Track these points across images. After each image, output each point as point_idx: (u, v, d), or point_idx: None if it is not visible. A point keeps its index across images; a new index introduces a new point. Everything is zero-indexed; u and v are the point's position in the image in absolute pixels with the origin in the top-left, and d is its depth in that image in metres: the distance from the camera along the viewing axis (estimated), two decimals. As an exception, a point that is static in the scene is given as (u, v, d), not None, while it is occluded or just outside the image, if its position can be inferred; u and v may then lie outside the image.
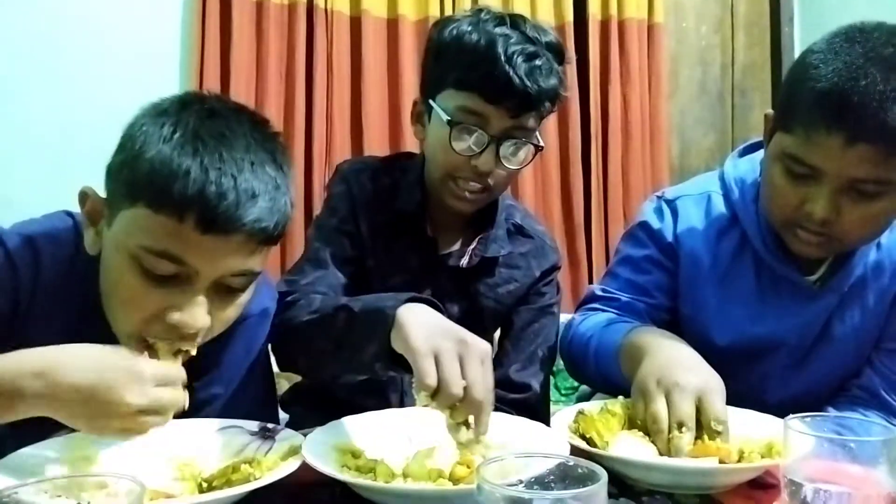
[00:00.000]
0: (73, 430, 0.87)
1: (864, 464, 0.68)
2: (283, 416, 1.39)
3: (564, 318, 1.41)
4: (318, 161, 2.59)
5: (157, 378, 0.81)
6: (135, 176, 0.85)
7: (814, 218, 1.04)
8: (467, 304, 1.31)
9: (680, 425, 0.92)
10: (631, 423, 1.02)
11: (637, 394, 1.00)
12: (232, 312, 0.94)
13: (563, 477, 0.59)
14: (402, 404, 1.28)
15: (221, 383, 1.08)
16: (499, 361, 1.33)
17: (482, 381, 0.86)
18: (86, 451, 0.87)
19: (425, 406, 0.85)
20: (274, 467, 0.85)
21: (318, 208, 1.40)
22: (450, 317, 1.23)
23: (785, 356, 1.23)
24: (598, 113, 2.96)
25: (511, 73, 1.13)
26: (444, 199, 1.25)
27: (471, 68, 1.17)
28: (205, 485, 0.83)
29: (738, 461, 0.89)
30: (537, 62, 1.16)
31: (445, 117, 1.18)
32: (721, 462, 0.89)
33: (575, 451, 0.88)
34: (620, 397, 1.06)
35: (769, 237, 1.19)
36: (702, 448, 0.93)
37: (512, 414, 1.06)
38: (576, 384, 2.15)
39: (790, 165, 1.06)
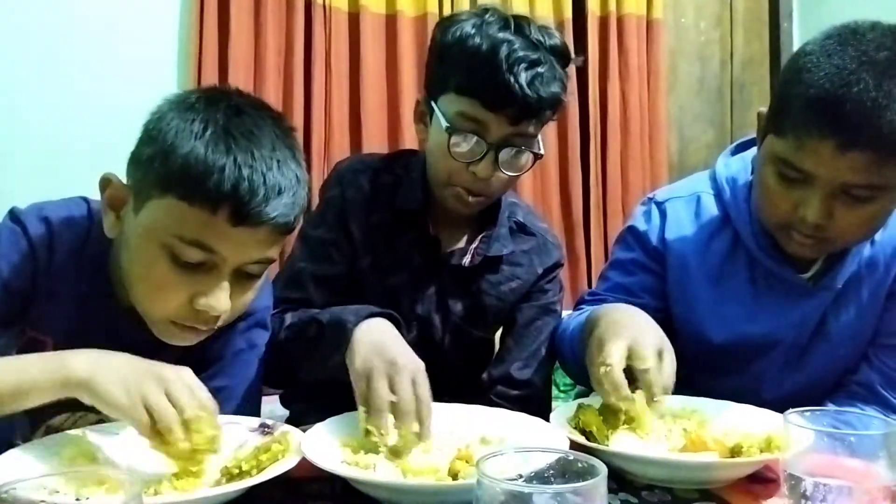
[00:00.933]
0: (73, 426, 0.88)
1: (864, 458, 0.68)
2: (283, 412, 1.39)
3: (566, 314, 1.41)
4: (316, 157, 2.59)
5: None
6: (168, 169, 0.90)
7: (806, 222, 1.04)
8: (469, 301, 1.31)
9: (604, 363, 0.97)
10: (631, 419, 1.03)
11: (588, 363, 1.04)
12: (249, 296, 1.01)
13: (563, 471, 0.59)
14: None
15: (226, 376, 1.10)
16: (501, 358, 1.33)
17: (408, 396, 0.94)
18: (85, 446, 0.87)
19: (365, 427, 0.94)
20: (266, 465, 0.86)
21: (314, 204, 1.39)
22: (452, 315, 1.30)
23: (781, 354, 1.22)
24: (596, 109, 2.96)
25: (512, 80, 1.11)
26: (444, 202, 1.25)
27: (472, 74, 1.15)
28: (235, 471, 0.84)
29: (738, 455, 0.89)
30: (540, 69, 1.14)
31: (445, 123, 1.17)
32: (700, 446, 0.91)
33: (574, 445, 0.89)
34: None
35: (762, 236, 1.18)
36: (696, 443, 0.94)
37: (514, 410, 1.07)
38: (574, 380, 2.15)
39: (782, 169, 1.05)
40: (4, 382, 0.83)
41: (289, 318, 1.19)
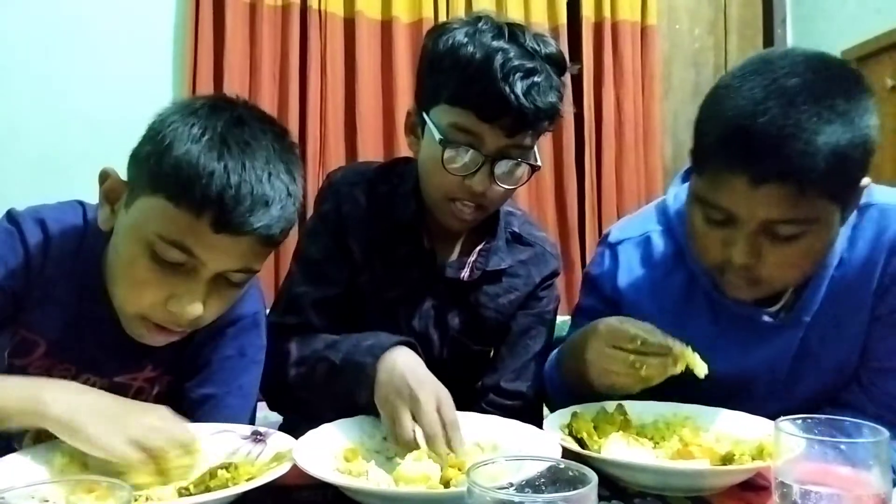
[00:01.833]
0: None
1: (855, 465, 0.68)
2: (277, 418, 1.38)
3: (561, 319, 1.40)
4: (311, 163, 2.59)
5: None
6: (160, 168, 0.91)
7: (734, 264, 0.99)
8: (467, 315, 1.28)
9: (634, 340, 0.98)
10: (626, 425, 1.03)
11: (590, 365, 1.04)
12: (226, 304, 1.01)
13: (554, 480, 0.59)
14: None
15: (214, 384, 1.10)
16: (493, 368, 1.31)
17: (431, 424, 0.95)
18: (76, 454, 0.87)
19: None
20: (256, 472, 0.85)
21: (309, 211, 1.37)
22: (450, 329, 1.27)
23: (762, 389, 1.15)
24: (591, 115, 2.97)
25: (507, 90, 1.07)
26: (438, 216, 1.21)
27: (465, 84, 1.11)
28: (184, 492, 0.83)
29: (730, 463, 0.89)
30: (536, 79, 1.10)
31: (438, 136, 1.12)
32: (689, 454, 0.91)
33: (567, 453, 0.89)
34: (615, 402, 1.06)
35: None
36: (682, 454, 0.94)
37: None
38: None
39: (705, 210, 1.00)
40: None
41: (294, 351, 1.17)
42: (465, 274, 1.26)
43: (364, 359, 1.04)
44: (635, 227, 1.26)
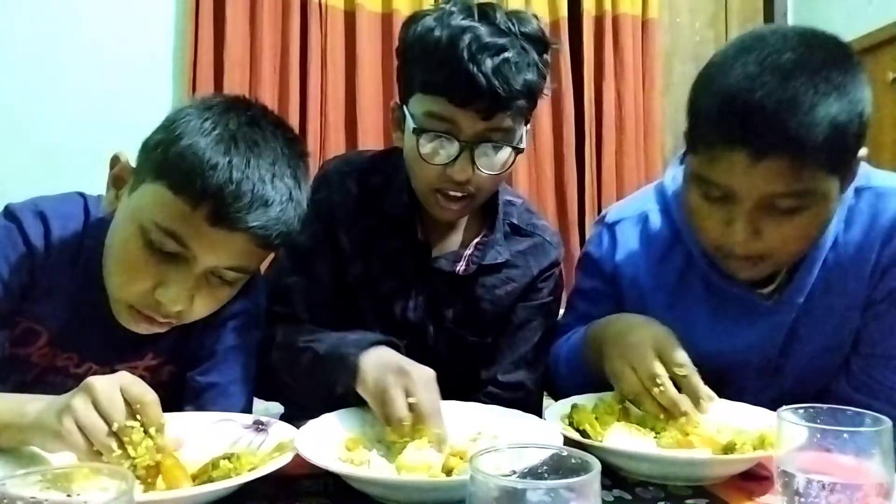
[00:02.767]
0: None
1: (857, 455, 0.68)
2: (278, 409, 1.38)
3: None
4: (312, 157, 2.57)
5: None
6: (166, 156, 0.92)
7: (736, 242, 0.98)
8: (463, 308, 1.26)
9: (653, 380, 0.95)
10: (625, 416, 1.03)
11: (611, 377, 1.02)
12: (215, 303, 1.01)
13: (557, 468, 0.59)
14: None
15: (217, 373, 1.10)
16: (492, 360, 1.29)
17: (426, 399, 0.94)
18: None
19: (394, 441, 0.93)
20: (260, 462, 0.85)
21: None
22: (446, 321, 1.25)
23: (753, 371, 1.16)
24: (592, 108, 2.97)
25: (475, 70, 1.03)
26: (428, 209, 1.19)
27: (434, 69, 1.07)
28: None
29: (731, 452, 0.89)
30: (507, 55, 1.05)
31: (412, 125, 1.10)
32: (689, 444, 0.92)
33: (568, 442, 0.89)
34: (612, 392, 1.06)
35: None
36: (682, 444, 0.94)
37: None
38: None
39: (703, 188, 1.00)
40: None
41: (279, 337, 1.16)
42: (460, 268, 1.23)
43: (348, 350, 1.03)
44: (633, 206, 1.27)
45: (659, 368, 0.95)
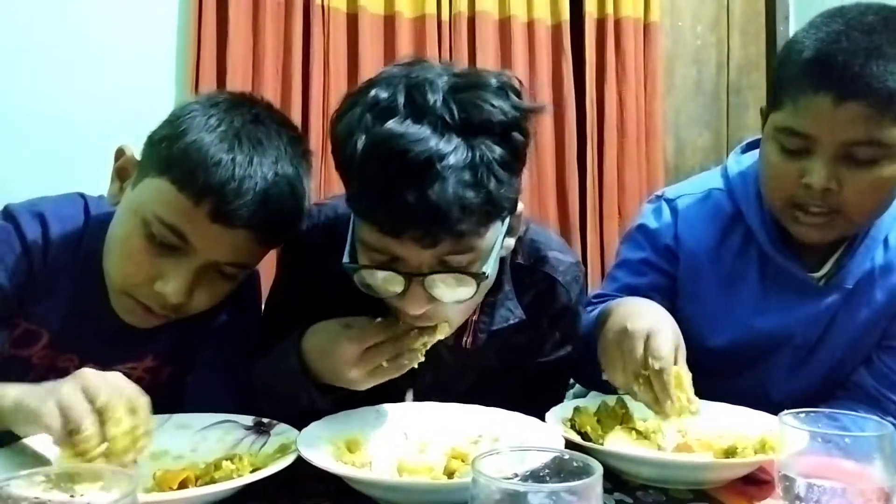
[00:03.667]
0: None
1: (858, 459, 0.68)
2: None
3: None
4: (314, 158, 2.57)
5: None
6: (170, 151, 0.93)
7: (813, 190, 1.03)
8: (476, 377, 1.14)
9: (636, 376, 0.91)
10: (628, 419, 1.03)
11: (602, 355, 0.99)
12: (215, 296, 1.01)
13: (559, 470, 0.59)
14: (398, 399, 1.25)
15: (216, 378, 1.10)
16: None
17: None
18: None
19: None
20: (262, 463, 0.85)
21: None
22: (457, 395, 1.07)
23: (789, 353, 1.21)
24: (593, 111, 2.96)
25: (399, 198, 0.80)
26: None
27: (356, 192, 0.87)
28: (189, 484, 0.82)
29: (732, 456, 0.89)
30: (441, 168, 0.80)
31: (346, 259, 0.91)
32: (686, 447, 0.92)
33: (570, 445, 0.89)
34: (616, 396, 1.06)
35: (774, 232, 1.17)
36: (682, 448, 0.94)
37: None
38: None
39: (783, 140, 1.05)
40: None
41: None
42: (467, 340, 1.08)
43: (286, 357, 0.95)
44: (696, 185, 1.30)
45: (640, 364, 0.91)
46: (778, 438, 0.73)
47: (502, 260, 1.04)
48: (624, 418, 1.03)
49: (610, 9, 2.96)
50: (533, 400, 1.06)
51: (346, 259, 0.90)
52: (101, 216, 1.04)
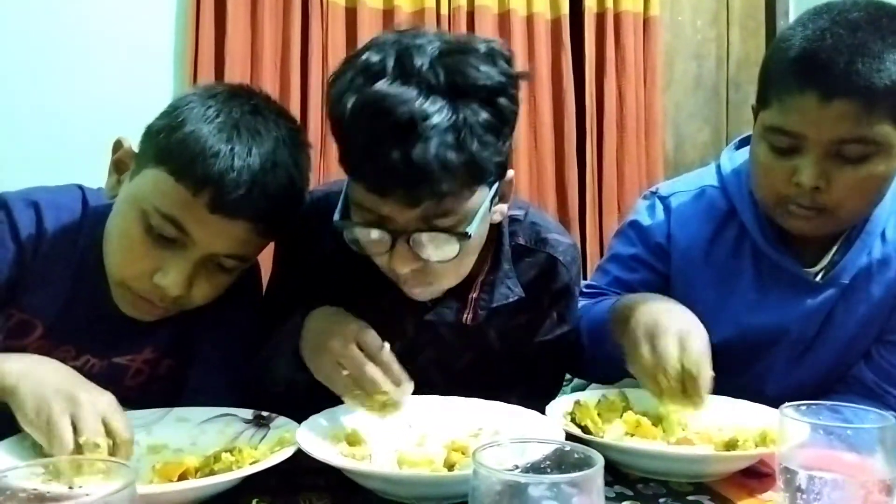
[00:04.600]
0: None
1: (860, 451, 0.68)
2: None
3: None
4: (313, 152, 2.57)
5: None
6: (169, 142, 0.93)
7: (803, 188, 1.03)
8: (475, 356, 1.14)
9: (664, 369, 0.93)
10: (628, 413, 1.03)
11: (629, 346, 1.00)
12: (215, 289, 1.00)
13: (560, 462, 0.59)
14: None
15: (214, 372, 1.10)
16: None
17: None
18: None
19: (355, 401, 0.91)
20: (261, 456, 0.85)
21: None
22: (455, 371, 1.13)
23: (786, 348, 1.20)
24: (593, 106, 2.96)
25: (382, 156, 0.83)
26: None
27: (344, 151, 0.91)
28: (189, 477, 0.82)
29: (733, 449, 0.89)
30: (426, 127, 0.82)
31: (336, 217, 0.93)
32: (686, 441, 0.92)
33: (570, 438, 0.89)
34: (616, 389, 1.06)
35: (768, 228, 1.17)
36: (681, 443, 0.94)
37: None
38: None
39: (772, 139, 1.05)
40: None
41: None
42: (468, 316, 1.09)
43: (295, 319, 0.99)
44: (689, 182, 1.30)
45: (675, 361, 0.93)
46: (779, 431, 0.73)
47: (500, 239, 1.08)
48: (625, 412, 1.03)
49: (609, 3, 2.96)
50: (531, 381, 1.10)
51: (336, 217, 0.93)
52: (100, 208, 1.03)
